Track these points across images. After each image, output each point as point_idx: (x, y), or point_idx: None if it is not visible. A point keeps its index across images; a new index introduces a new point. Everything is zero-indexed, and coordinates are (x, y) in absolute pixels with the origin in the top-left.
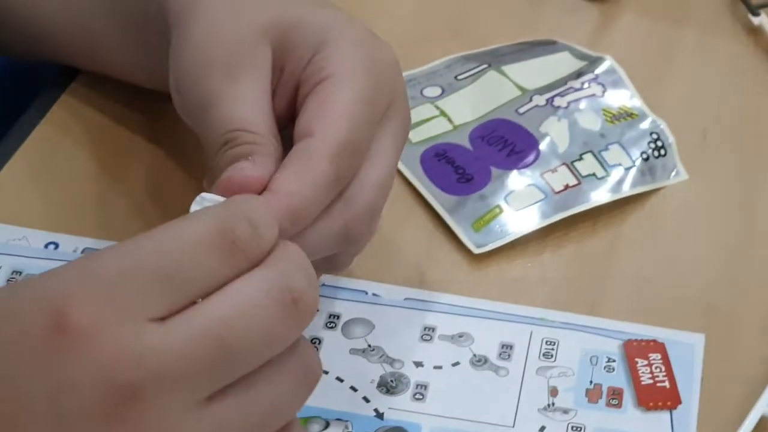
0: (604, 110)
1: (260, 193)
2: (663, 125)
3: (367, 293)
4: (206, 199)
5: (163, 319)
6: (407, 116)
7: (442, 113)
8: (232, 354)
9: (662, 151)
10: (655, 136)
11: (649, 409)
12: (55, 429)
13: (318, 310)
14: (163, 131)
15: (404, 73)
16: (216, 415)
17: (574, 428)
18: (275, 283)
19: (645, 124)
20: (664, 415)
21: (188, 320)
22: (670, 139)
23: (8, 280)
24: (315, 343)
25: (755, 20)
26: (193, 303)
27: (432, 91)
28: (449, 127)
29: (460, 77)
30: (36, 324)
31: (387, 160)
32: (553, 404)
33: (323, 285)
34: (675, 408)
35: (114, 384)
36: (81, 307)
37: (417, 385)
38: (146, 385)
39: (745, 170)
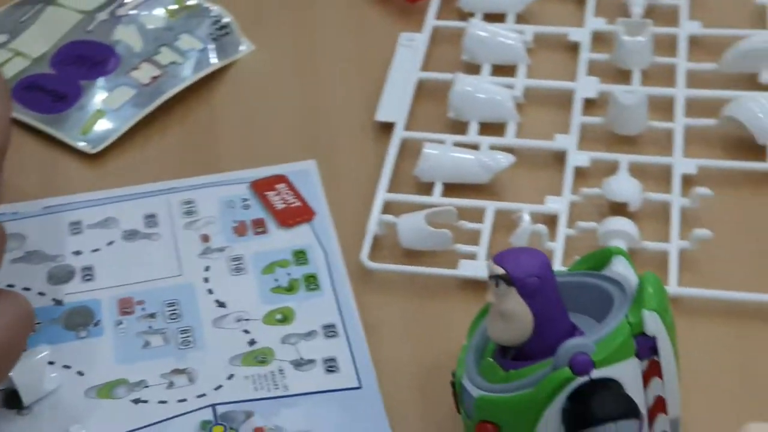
0: (166, 9)
1: None
2: (218, 9)
3: (5, 214)
4: None
5: None
6: None
7: (17, 53)
8: None
9: (226, 30)
10: (215, 19)
11: (290, 226)
12: None
13: None
14: None
15: None
16: None
17: (234, 259)
18: None
19: (204, 12)
20: (305, 228)
21: None
22: (228, 19)
23: None
24: None
25: None
26: None
27: (1, 39)
28: (27, 62)
29: (21, 20)
30: None
31: None
32: (209, 248)
33: None
34: (311, 220)
35: None
36: None
37: (83, 269)
38: None
39: (300, 33)
